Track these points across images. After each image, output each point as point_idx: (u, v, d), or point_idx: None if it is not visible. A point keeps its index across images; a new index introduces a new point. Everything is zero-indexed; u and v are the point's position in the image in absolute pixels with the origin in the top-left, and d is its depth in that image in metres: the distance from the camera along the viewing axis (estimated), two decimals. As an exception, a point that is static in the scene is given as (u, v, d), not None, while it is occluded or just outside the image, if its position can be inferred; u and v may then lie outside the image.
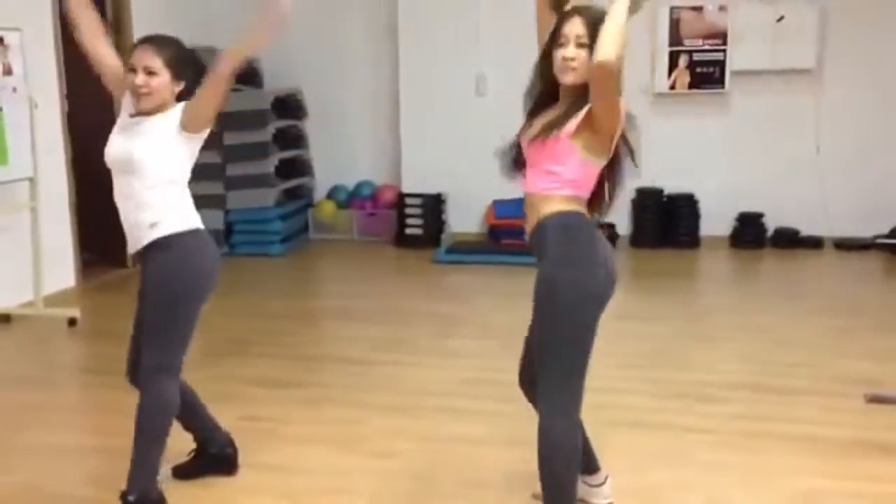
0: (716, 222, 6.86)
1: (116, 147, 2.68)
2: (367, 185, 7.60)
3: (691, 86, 6.94)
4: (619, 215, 7.17)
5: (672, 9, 6.91)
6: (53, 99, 5.51)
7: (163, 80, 2.62)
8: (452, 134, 7.39)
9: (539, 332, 2.33)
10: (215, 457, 2.96)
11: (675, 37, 6.94)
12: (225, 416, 3.49)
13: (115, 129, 2.73)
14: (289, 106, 7.36)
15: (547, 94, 2.48)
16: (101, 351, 4.61)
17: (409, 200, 7.28)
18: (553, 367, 2.28)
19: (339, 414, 3.53)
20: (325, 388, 3.86)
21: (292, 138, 7.41)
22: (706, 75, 6.90)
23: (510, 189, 7.66)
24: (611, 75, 2.13)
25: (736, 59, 6.77)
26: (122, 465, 3.08)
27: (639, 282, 6.36)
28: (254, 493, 2.89)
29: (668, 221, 6.97)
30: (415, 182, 7.42)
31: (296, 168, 7.47)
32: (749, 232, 6.71)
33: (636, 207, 7.10)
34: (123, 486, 2.66)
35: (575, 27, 2.27)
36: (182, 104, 2.67)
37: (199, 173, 7.81)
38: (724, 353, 4.15)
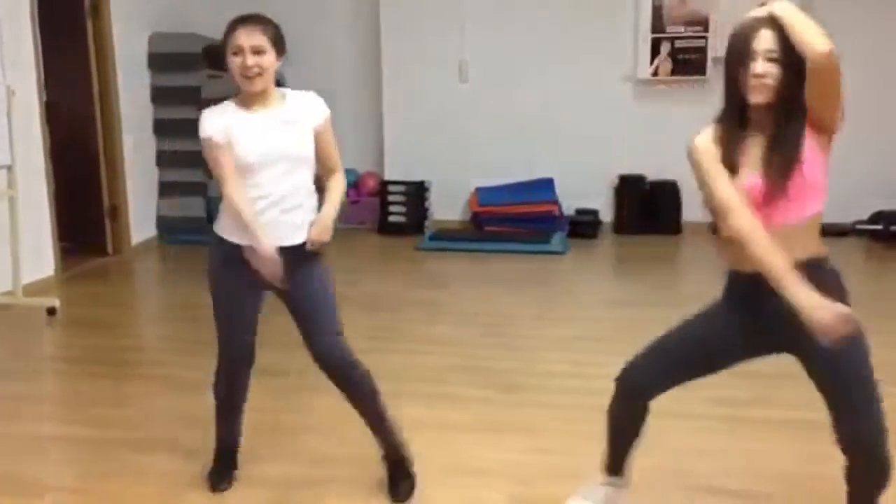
0: (698, 208, 6.87)
1: (271, 144, 2.54)
2: (349, 172, 7.57)
3: (673, 73, 6.95)
4: (602, 202, 7.19)
5: (655, -5, 6.92)
6: (31, 87, 5.44)
7: (270, 59, 2.54)
8: (435, 121, 7.37)
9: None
10: (233, 454, 2.94)
11: (658, 24, 6.95)
12: (211, 405, 3.48)
13: (248, 128, 2.56)
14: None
15: (735, 118, 2.17)
16: (81, 341, 4.58)
17: (392, 188, 7.26)
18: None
19: (323, 402, 3.51)
20: (309, 376, 3.83)
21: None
22: (688, 62, 6.91)
23: (493, 176, 7.71)
24: (837, 63, 1.98)
25: (718, 46, 6.78)
26: (105, 455, 3.08)
27: (623, 268, 6.39)
28: (244, 482, 2.87)
29: (650, 208, 6.99)
30: (398, 170, 7.40)
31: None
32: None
33: (619, 194, 7.12)
34: (106, 475, 2.63)
35: (763, 41, 2.06)
36: (325, 115, 2.64)
37: (179, 160, 7.75)
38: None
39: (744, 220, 2.07)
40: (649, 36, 6.96)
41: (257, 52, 2.51)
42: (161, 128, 7.00)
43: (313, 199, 2.64)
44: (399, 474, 2.77)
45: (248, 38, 2.51)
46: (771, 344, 2.21)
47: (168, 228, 7.05)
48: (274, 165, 2.53)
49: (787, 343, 2.17)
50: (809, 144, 2.08)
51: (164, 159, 7.04)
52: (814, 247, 2.18)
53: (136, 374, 4.03)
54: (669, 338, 2.36)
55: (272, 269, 2.47)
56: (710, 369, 2.33)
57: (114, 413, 3.52)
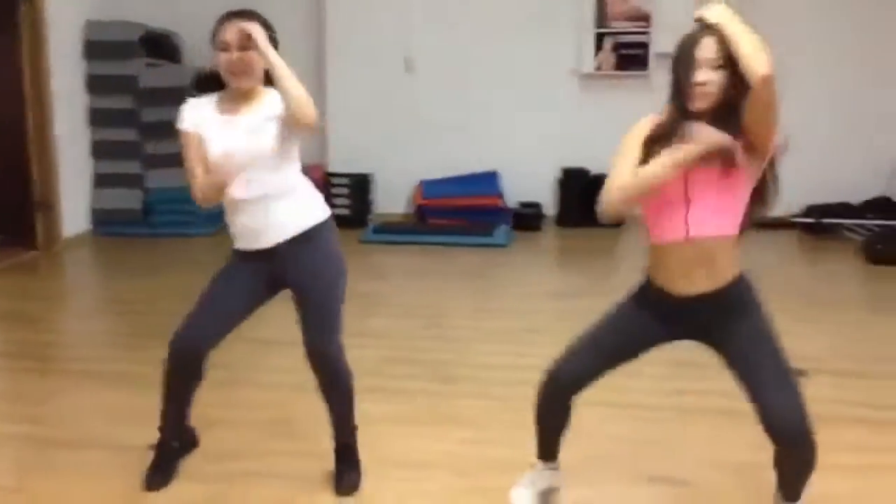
0: (639, 202, 6.98)
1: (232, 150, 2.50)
2: (292, 164, 7.48)
3: (617, 67, 7.03)
4: (545, 195, 7.24)
5: (597, -10, 6.99)
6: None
7: (257, 55, 2.48)
8: (380, 114, 7.33)
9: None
10: (177, 451, 2.87)
11: (602, 19, 7.01)
12: (147, 400, 3.40)
13: (215, 132, 2.54)
14: (210, 83, 7.16)
15: (670, 124, 2.19)
16: (6, 335, 4.43)
17: (335, 180, 7.21)
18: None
19: (258, 397, 3.48)
20: (247, 370, 3.79)
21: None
22: (631, 57, 6.99)
23: (438, 169, 7.70)
24: (775, 88, 2.03)
25: (659, 41, 6.87)
26: (37, 453, 2.99)
27: (566, 260, 6.44)
28: (179, 477, 2.81)
29: (593, 201, 7.02)
30: (342, 162, 7.35)
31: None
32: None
33: (562, 187, 7.17)
34: (42, 473, 2.56)
35: (706, 50, 2.09)
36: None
37: (115, 151, 7.58)
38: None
39: (621, 180, 2.19)
40: (593, 31, 7.02)
41: (244, 48, 2.45)
42: (96, 118, 6.83)
43: (296, 192, 2.61)
44: (347, 466, 2.75)
45: (235, 33, 2.46)
46: (682, 333, 2.30)
47: (103, 221, 6.88)
48: (238, 167, 2.49)
49: (697, 333, 2.27)
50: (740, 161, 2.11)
51: (99, 150, 6.86)
52: (731, 270, 2.24)
53: (64, 370, 3.92)
54: (592, 334, 2.42)
55: None
56: (632, 357, 2.39)
57: (42, 410, 3.42)
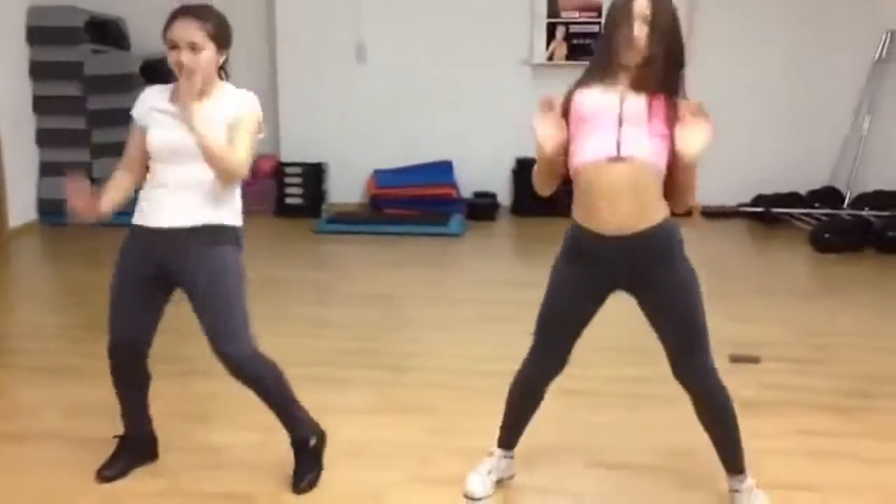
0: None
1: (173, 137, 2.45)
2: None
3: (569, 57, 7.06)
4: (500, 185, 7.25)
5: (549, -20, 7.00)
6: None
7: (208, 55, 2.40)
8: (332, 103, 7.27)
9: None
10: (141, 444, 2.81)
11: (553, 8, 7.04)
12: (98, 393, 3.33)
13: (159, 120, 2.48)
14: (159, 71, 7.02)
15: (602, 70, 2.30)
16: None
17: (288, 170, 7.13)
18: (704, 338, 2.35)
19: (211, 388, 3.42)
20: (199, 362, 3.72)
21: (163, 104, 7.10)
22: (583, 47, 7.03)
23: (391, 159, 7.66)
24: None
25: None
26: (-20, 450, 2.91)
27: (520, 250, 6.47)
28: (138, 470, 2.76)
29: (546, 191, 7.08)
30: (294, 151, 7.27)
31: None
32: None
33: (516, 177, 7.19)
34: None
35: (640, 6, 2.19)
36: (247, 110, 2.47)
37: (63, 140, 7.41)
38: (604, 317, 4.27)
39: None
40: (545, 21, 7.04)
41: (193, 47, 2.38)
42: (41, 105, 6.64)
43: (218, 196, 2.50)
44: (305, 463, 2.70)
45: (184, 32, 2.39)
46: (612, 283, 2.38)
47: (50, 211, 6.71)
48: (173, 160, 2.46)
49: (623, 281, 2.36)
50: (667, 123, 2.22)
51: (45, 138, 6.69)
52: (657, 210, 2.29)
53: (12, 363, 3.82)
54: (544, 318, 2.51)
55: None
56: (586, 320, 2.47)
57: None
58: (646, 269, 2.29)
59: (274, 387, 2.63)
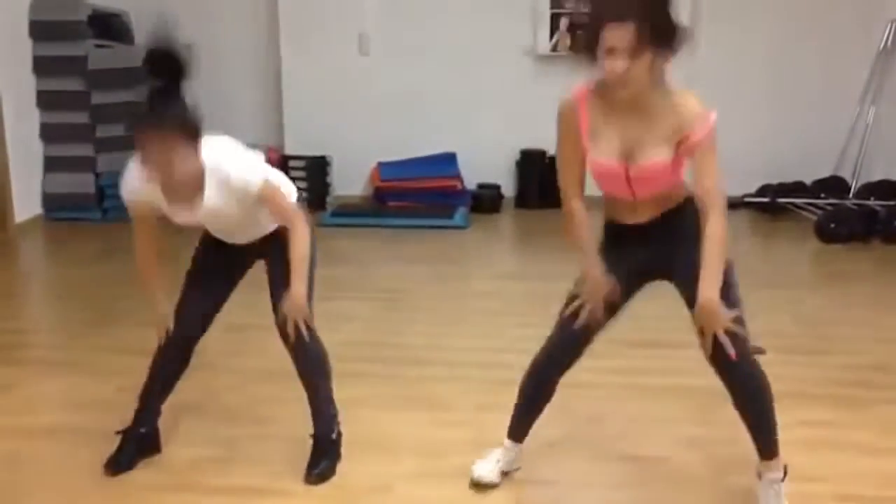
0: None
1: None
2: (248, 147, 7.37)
3: (572, 48, 7.03)
4: (504, 177, 7.24)
5: (553, -29, 6.98)
6: None
7: (185, 164, 2.35)
8: (336, 95, 7.25)
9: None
10: (145, 437, 2.82)
11: (557, -1, 7.01)
12: (105, 388, 3.36)
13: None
14: (165, 65, 7.03)
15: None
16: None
17: (292, 163, 7.12)
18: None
19: (219, 381, 3.44)
20: (204, 356, 3.73)
21: (167, 98, 7.10)
22: (587, 38, 7.00)
23: (395, 151, 7.64)
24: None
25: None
26: (5, 443, 2.93)
27: (525, 242, 6.47)
28: (147, 464, 2.78)
29: (551, 182, 7.05)
30: (298, 144, 7.27)
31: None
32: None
33: (520, 168, 7.18)
34: (11, 463, 2.51)
35: (621, 39, 2.08)
36: (257, 188, 2.49)
37: (66, 134, 7.42)
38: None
39: (571, 204, 2.45)
40: (548, 11, 7.01)
41: (165, 164, 2.32)
42: (45, 100, 6.64)
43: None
44: (322, 454, 2.72)
45: (151, 152, 2.31)
46: (648, 271, 2.43)
47: (55, 206, 6.72)
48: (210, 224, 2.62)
49: (660, 266, 2.39)
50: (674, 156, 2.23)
51: (49, 133, 6.69)
52: (673, 201, 2.36)
53: (17, 358, 3.83)
54: (566, 314, 2.49)
55: None
56: (622, 301, 2.49)
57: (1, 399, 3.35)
58: (674, 242, 2.34)
59: (324, 370, 2.74)
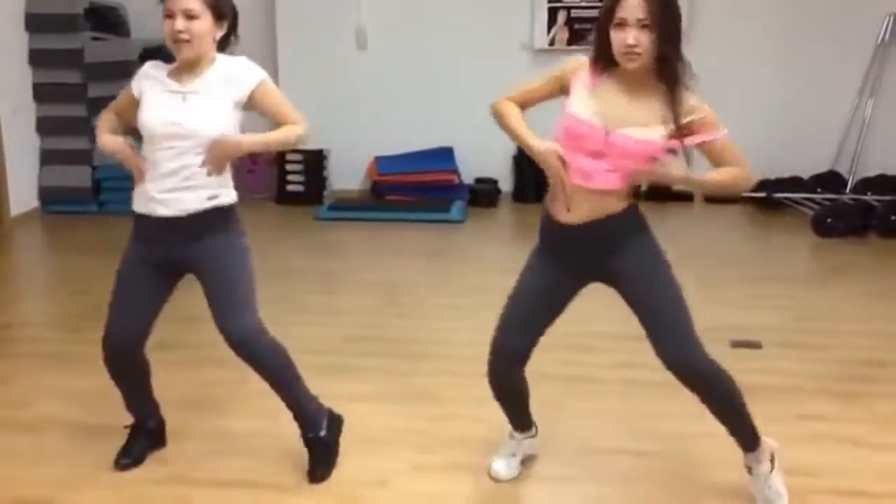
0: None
1: (164, 117, 2.42)
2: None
3: (570, 42, 7.03)
4: (501, 171, 7.24)
5: (551, -36, 6.96)
6: None
7: (204, 25, 2.36)
8: (333, 89, 7.24)
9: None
10: (153, 431, 2.81)
11: (555, -7, 7.00)
12: (102, 381, 3.34)
13: (156, 97, 2.45)
14: (159, 57, 6.98)
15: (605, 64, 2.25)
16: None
17: (289, 157, 7.11)
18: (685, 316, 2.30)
19: (220, 375, 3.43)
20: (204, 349, 3.73)
21: (164, 91, 7.09)
22: (584, 32, 6.99)
23: (392, 145, 7.63)
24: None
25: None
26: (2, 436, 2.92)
27: (522, 236, 6.46)
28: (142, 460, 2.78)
29: (547, 178, 7.07)
30: (295, 138, 7.25)
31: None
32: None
33: (517, 163, 7.18)
34: (6, 457, 2.50)
35: (635, 10, 2.10)
36: (255, 81, 2.46)
37: (63, 127, 7.39)
38: (603, 304, 4.27)
39: (507, 98, 2.46)
40: (546, 5, 7.00)
41: (189, 16, 2.34)
42: (41, 93, 6.63)
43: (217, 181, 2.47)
44: (317, 454, 2.69)
45: (180, 0, 2.34)
46: (587, 276, 2.40)
47: (51, 199, 6.71)
48: (168, 143, 2.41)
49: (599, 275, 2.36)
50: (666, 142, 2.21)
51: (45, 126, 6.67)
52: (616, 206, 2.29)
53: (14, 352, 3.83)
54: (515, 302, 2.51)
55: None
56: (557, 311, 2.46)
57: (-4, 393, 3.35)
58: (612, 250, 2.31)
59: (287, 373, 2.63)
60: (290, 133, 2.50)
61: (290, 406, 2.67)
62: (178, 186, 2.43)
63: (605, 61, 2.24)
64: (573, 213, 2.27)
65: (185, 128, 2.39)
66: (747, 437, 2.44)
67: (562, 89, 2.35)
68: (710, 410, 2.40)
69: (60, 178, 6.65)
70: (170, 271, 2.57)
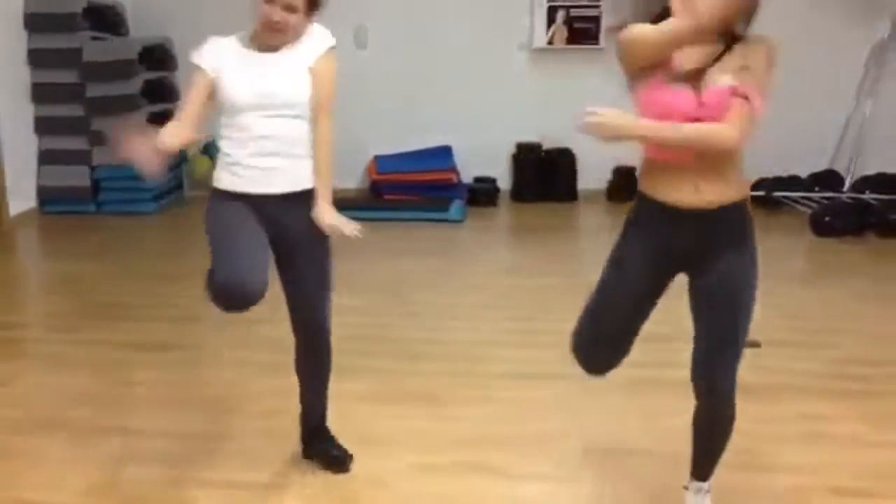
0: (593, 176, 7.04)
1: (256, 89, 2.39)
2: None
3: (569, 42, 7.03)
4: (500, 170, 7.25)
5: (550, -36, 6.96)
6: None
7: (300, 18, 2.40)
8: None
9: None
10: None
11: (553, -8, 7.00)
12: (102, 382, 3.36)
13: (240, 67, 2.41)
14: (158, 56, 7.02)
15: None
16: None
17: (288, 156, 7.11)
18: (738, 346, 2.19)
19: (220, 375, 3.44)
20: (204, 349, 3.75)
21: (162, 91, 7.09)
22: (583, 31, 7.00)
23: (392, 144, 7.62)
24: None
25: (611, 15, 6.88)
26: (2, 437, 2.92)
27: (521, 236, 6.47)
28: (132, 459, 2.78)
29: (547, 176, 7.08)
30: (294, 137, 7.25)
31: (167, 122, 7.16)
32: (624, 185, 6.90)
33: (516, 162, 7.18)
34: (8, 457, 2.50)
35: None
36: (319, 51, 2.46)
37: (60, 127, 7.37)
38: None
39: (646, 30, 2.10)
40: (545, 4, 7.01)
41: (289, 8, 2.36)
42: (39, 93, 6.62)
43: (305, 148, 2.45)
44: (331, 442, 2.75)
45: None
46: (677, 261, 2.18)
47: (50, 199, 6.71)
48: (256, 109, 2.39)
49: (690, 259, 2.15)
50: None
51: (43, 126, 6.67)
52: (739, 188, 2.19)
53: (14, 352, 3.83)
54: (601, 305, 2.27)
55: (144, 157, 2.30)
56: (646, 311, 2.27)
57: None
58: (717, 246, 2.15)
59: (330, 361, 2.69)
60: (325, 150, 2.47)
61: (319, 391, 2.70)
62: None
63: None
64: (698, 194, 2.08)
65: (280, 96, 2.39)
66: (711, 468, 2.35)
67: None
68: (700, 432, 2.30)
69: (59, 178, 6.65)
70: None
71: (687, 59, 2.07)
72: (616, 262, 2.24)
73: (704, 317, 2.18)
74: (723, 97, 2.01)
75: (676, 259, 2.16)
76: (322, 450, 2.75)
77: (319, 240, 2.52)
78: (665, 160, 2.10)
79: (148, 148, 2.33)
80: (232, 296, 2.36)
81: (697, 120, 2.02)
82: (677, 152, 2.06)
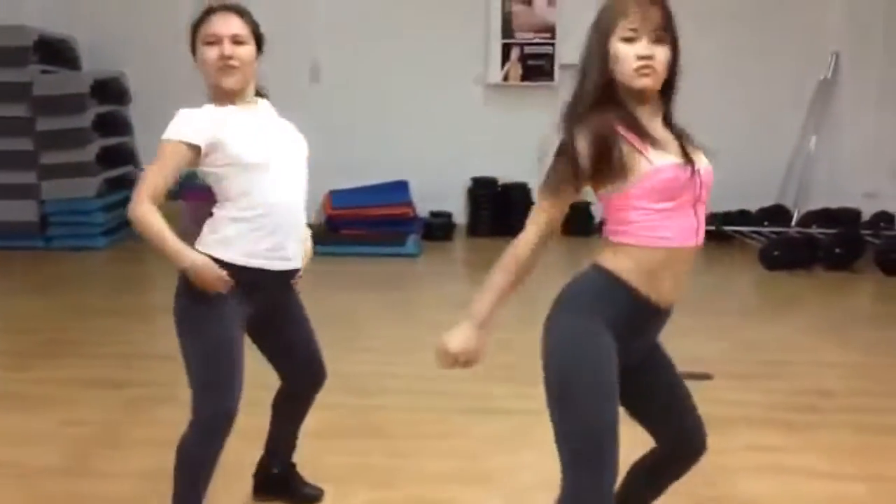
0: (547, 211, 7.10)
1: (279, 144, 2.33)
2: (197, 174, 7.30)
3: (523, 78, 7.14)
4: (456, 205, 7.28)
5: (504, 1, 7.09)
6: None
7: (250, 51, 2.27)
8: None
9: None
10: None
11: (508, 30, 7.11)
12: (47, 422, 3.26)
13: (242, 125, 2.29)
14: (110, 90, 6.96)
15: (599, 98, 1.80)
16: None
17: (242, 190, 7.07)
18: None
19: (171, 414, 3.36)
20: (154, 387, 3.67)
21: (115, 124, 7.02)
22: (537, 68, 7.11)
23: (347, 178, 7.62)
24: None
25: (564, 53, 7.02)
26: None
27: (476, 270, 6.49)
28: (84, 500, 2.70)
29: (502, 210, 7.13)
30: (248, 171, 7.22)
31: (120, 156, 7.08)
32: (578, 220, 6.98)
33: (472, 197, 7.23)
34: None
35: (651, 18, 1.76)
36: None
37: (8, 162, 7.25)
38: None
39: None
40: (500, 41, 7.11)
41: (237, 41, 2.24)
42: (-13, 126, 6.51)
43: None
44: (300, 480, 2.75)
45: (226, 25, 2.22)
46: (632, 356, 1.97)
47: (-3, 234, 6.57)
48: (277, 168, 2.31)
49: (631, 359, 1.95)
50: None
51: (-9, 160, 6.55)
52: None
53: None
54: (607, 449, 1.88)
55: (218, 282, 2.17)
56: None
57: None
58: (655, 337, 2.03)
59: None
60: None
61: (294, 437, 2.71)
62: None
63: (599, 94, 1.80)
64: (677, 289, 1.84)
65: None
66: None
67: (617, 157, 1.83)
68: (675, 480, 2.17)
69: (6, 212, 6.52)
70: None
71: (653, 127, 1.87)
72: (597, 386, 1.86)
73: (665, 393, 2.04)
74: (711, 176, 1.88)
75: (622, 362, 1.88)
76: (294, 488, 2.71)
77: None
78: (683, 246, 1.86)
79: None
80: (224, 431, 2.32)
81: (699, 199, 1.86)
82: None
